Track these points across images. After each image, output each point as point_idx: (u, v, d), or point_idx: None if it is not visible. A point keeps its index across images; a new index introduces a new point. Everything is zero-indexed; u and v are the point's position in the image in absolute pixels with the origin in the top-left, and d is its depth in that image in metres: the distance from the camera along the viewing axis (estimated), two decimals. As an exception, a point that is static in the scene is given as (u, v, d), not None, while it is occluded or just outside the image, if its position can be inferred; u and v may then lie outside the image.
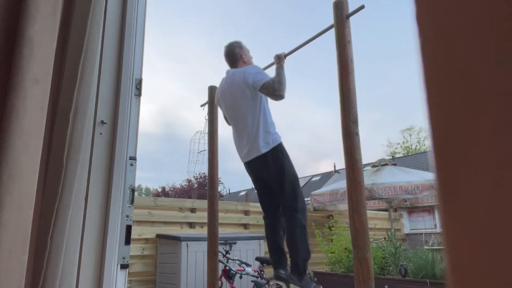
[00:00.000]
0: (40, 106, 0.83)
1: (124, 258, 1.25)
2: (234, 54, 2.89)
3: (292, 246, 2.56)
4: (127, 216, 1.28)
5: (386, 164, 6.84)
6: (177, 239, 4.41)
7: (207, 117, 3.34)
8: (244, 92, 2.68)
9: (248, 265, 4.39)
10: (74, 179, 0.97)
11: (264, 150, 2.61)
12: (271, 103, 2.78)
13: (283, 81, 2.65)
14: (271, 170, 2.63)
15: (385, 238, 5.64)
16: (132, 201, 1.31)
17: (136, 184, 1.37)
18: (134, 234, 4.25)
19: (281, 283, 4.28)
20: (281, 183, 2.61)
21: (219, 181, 6.50)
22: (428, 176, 5.96)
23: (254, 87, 2.64)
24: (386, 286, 4.08)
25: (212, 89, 3.35)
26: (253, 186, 2.94)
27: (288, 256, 2.65)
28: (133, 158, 1.33)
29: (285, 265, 2.69)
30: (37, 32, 0.83)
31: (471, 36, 0.21)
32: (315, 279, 5.00)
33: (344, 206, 6.56)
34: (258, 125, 2.64)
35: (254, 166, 2.72)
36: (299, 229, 2.54)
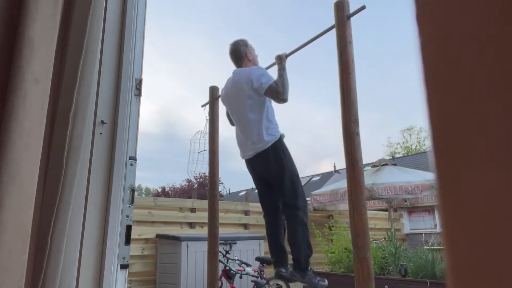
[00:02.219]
0: (40, 106, 0.83)
1: (124, 258, 1.25)
2: (239, 52, 2.90)
3: (294, 244, 2.56)
4: (127, 216, 1.28)
5: (386, 164, 6.84)
6: (177, 239, 4.41)
7: (207, 117, 3.34)
8: (248, 92, 2.70)
9: (248, 265, 4.39)
10: (74, 179, 0.97)
11: (264, 147, 2.63)
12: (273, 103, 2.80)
13: (286, 84, 2.67)
14: (272, 167, 2.64)
15: (385, 238, 5.64)
16: (132, 201, 1.31)
17: (136, 184, 1.37)
18: (134, 234, 4.25)
19: (281, 283, 4.28)
20: (282, 180, 2.61)
21: (219, 181, 6.50)
22: (428, 176, 5.96)
23: (258, 90, 2.66)
24: (386, 286, 4.08)
25: (213, 89, 3.35)
26: (253, 186, 2.95)
27: (289, 254, 2.66)
28: (133, 158, 1.33)
29: (286, 264, 2.69)
30: (37, 32, 0.83)
31: (471, 36, 0.21)
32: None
33: (344, 206, 6.56)
34: (261, 124, 2.66)
35: (255, 163, 2.73)
36: (301, 227, 2.55)
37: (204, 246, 3.69)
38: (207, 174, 3.28)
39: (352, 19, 2.21)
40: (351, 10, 2.22)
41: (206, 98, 3.41)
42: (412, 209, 9.42)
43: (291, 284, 3.80)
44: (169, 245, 4.55)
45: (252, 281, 4.39)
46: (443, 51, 0.22)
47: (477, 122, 0.20)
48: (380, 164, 6.86)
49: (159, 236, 4.78)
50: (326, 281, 2.65)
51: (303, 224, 2.56)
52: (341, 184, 6.62)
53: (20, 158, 0.77)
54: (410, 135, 29.06)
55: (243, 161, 2.90)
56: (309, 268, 2.61)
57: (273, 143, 2.64)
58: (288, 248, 2.68)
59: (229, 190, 24.98)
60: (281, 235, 2.73)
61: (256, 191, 2.94)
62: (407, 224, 9.19)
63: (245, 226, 5.87)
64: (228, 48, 2.97)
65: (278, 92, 2.61)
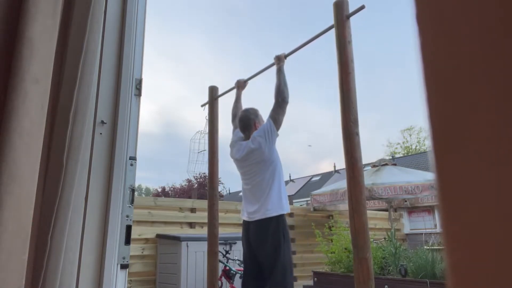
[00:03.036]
0: (40, 106, 0.83)
1: (124, 258, 1.25)
2: (249, 121, 2.84)
3: None
4: (127, 216, 1.28)
5: (386, 164, 6.84)
6: (177, 239, 4.41)
7: (207, 117, 3.34)
8: (262, 158, 2.64)
9: (248, 265, 4.39)
10: (74, 179, 0.97)
11: (270, 214, 2.53)
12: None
13: (283, 85, 2.67)
14: (268, 245, 2.51)
15: (385, 238, 5.64)
16: (132, 201, 1.31)
17: (136, 184, 1.37)
18: (134, 234, 4.25)
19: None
20: (273, 266, 2.47)
21: (219, 181, 6.50)
22: (428, 176, 5.96)
23: (272, 129, 2.63)
24: (386, 286, 4.08)
25: (212, 89, 3.35)
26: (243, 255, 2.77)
27: None
28: (133, 158, 1.33)
29: None
30: (37, 32, 0.83)
31: (471, 36, 0.21)
32: (315, 279, 5.00)
33: (344, 206, 6.56)
34: (271, 190, 2.59)
35: (254, 230, 2.61)
36: None
37: (204, 246, 3.69)
38: (207, 174, 3.28)
39: (352, 18, 2.21)
40: (351, 10, 2.22)
41: (206, 98, 3.42)
42: (412, 209, 9.43)
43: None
44: (169, 245, 4.55)
45: (252, 281, 4.38)
46: (443, 51, 0.22)
47: (477, 122, 0.20)
48: (380, 164, 6.86)
49: (159, 236, 4.78)
50: None
51: None
52: (341, 184, 6.62)
53: (20, 158, 0.77)
54: (410, 135, 29.08)
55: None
56: None
57: (279, 216, 2.54)
58: None
59: (229, 190, 24.99)
60: None
61: (243, 264, 2.79)
62: (407, 224, 9.20)
63: (245, 226, 5.86)
64: (239, 114, 2.94)
65: (277, 102, 2.63)
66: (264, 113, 2.84)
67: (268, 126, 2.66)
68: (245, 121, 2.84)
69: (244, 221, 2.73)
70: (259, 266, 2.59)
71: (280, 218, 2.53)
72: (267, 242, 2.51)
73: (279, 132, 2.71)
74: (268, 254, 2.50)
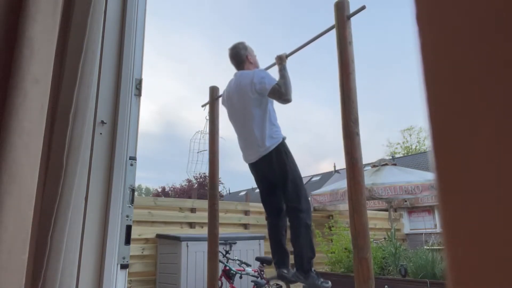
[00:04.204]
0: (40, 106, 0.83)
1: (124, 258, 1.25)
2: (240, 56, 2.91)
3: (297, 245, 2.57)
4: (127, 216, 1.28)
5: (386, 164, 6.84)
6: (177, 239, 4.41)
7: (207, 117, 3.34)
8: (250, 95, 2.71)
9: (248, 265, 4.39)
10: (74, 179, 0.97)
11: (268, 150, 2.65)
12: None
13: (289, 84, 2.68)
14: (275, 170, 2.66)
15: (385, 238, 5.64)
16: (132, 201, 1.31)
17: (136, 184, 1.37)
18: (134, 234, 4.25)
19: (281, 283, 4.28)
20: (285, 183, 2.63)
21: (219, 181, 6.51)
22: (428, 176, 5.96)
23: (261, 92, 2.67)
24: (386, 286, 4.08)
25: (213, 89, 3.35)
26: (254, 186, 2.96)
27: (291, 255, 2.66)
28: (133, 158, 1.33)
29: (287, 265, 2.70)
30: (37, 32, 0.83)
31: (471, 36, 0.21)
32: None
33: (344, 206, 6.56)
34: (264, 128, 2.68)
35: (259, 167, 2.76)
36: (304, 228, 2.56)
37: (204, 246, 3.69)
38: (207, 174, 3.28)
39: (352, 19, 2.21)
40: (351, 10, 2.22)
41: (206, 98, 3.42)
42: (412, 209, 9.43)
43: (291, 285, 3.79)
44: (169, 245, 4.55)
45: (252, 281, 4.39)
46: (443, 51, 0.22)
47: (477, 122, 0.20)
48: (380, 164, 6.86)
49: (159, 236, 4.78)
50: (330, 282, 2.65)
51: (307, 226, 2.58)
52: (341, 184, 6.62)
53: (20, 158, 0.77)
54: (410, 135, 29.08)
55: (243, 161, 2.91)
56: (312, 269, 2.61)
57: (276, 146, 2.66)
58: (290, 249, 2.69)
59: (229, 190, 24.98)
60: (284, 236, 2.75)
61: (257, 191, 2.95)
62: (407, 224, 9.19)
63: (245, 226, 5.86)
64: (228, 52, 2.97)
65: (281, 93, 2.62)
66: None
67: (264, 86, 2.65)
68: (237, 57, 2.92)
69: (248, 164, 2.85)
70: (272, 186, 2.77)
71: (278, 146, 2.67)
72: (273, 168, 2.67)
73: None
74: (277, 175, 2.67)
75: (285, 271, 2.65)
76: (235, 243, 4.68)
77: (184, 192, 20.18)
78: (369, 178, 6.06)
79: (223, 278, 4.26)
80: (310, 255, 2.58)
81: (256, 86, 2.68)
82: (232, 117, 2.93)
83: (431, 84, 0.23)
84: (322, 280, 2.61)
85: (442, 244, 0.22)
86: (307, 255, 2.56)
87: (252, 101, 2.71)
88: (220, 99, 3.13)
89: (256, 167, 2.78)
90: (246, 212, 5.94)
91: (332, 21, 2.28)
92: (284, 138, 2.74)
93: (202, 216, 4.95)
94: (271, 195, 2.80)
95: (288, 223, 2.74)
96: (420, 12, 0.24)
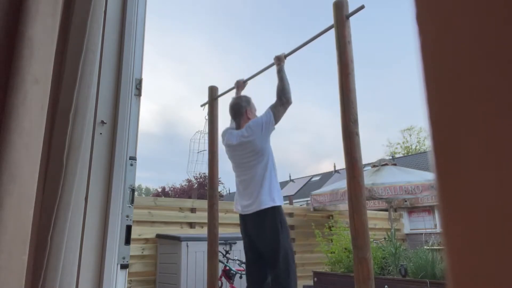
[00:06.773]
0: (40, 106, 0.83)
1: (124, 258, 1.25)
2: (240, 108, 2.83)
3: None
4: (127, 216, 1.28)
5: (386, 164, 6.84)
6: (177, 239, 4.41)
7: (207, 117, 3.34)
8: (254, 149, 2.63)
9: (248, 265, 4.39)
10: (74, 179, 0.97)
11: (265, 206, 2.53)
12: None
13: (287, 85, 2.67)
14: (266, 235, 2.52)
15: (385, 238, 5.64)
16: (132, 201, 1.30)
17: (136, 184, 1.37)
18: (134, 234, 4.25)
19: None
20: (275, 256, 2.48)
21: (219, 181, 6.50)
22: (428, 176, 5.96)
23: (269, 120, 2.61)
24: (386, 286, 4.08)
25: (212, 89, 3.35)
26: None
27: None
28: (133, 158, 1.33)
29: None
30: (37, 32, 0.83)
31: (471, 36, 0.21)
32: (315, 279, 5.00)
33: (344, 206, 6.56)
34: (264, 182, 2.58)
35: (250, 223, 2.63)
36: None
37: (204, 246, 3.69)
38: (207, 174, 3.28)
39: (351, 18, 2.21)
40: (350, 10, 2.22)
41: (206, 98, 3.42)
42: (412, 209, 9.43)
43: None
44: (169, 245, 4.55)
45: (252, 281, 4.38)
46: (443, 51, 0.22)
47: (477, 122, 0.20)
48: (380, 164, 6.86)
49: (159, 236, 4.78)
50: None
51: None
52: (341, 184, 6.61)
53: (20, 158, 0.77)
54: (410, 135, 29.10)
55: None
56: None
57: (273, 208, 2.54)
58: None
59: (229, 190, 24.97)
60: None
61: (245, 255, 2.78)
62: (407, 224, 9.20)
63: (245, 226, 5.86)
64: (230, 101, 2.91)
65: (281, 100, 2.61)
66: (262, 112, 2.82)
67: (268, 118, 2.64)
68: (237, 109, 2.85)
69: (240, 214, 2.74)
70: (260, 256, 2.61)
71: (275, 208, 2.55)
72: (265, 233, 2.53)
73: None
74: (268, 243, 2.52)
75: None
76: (235, 243, 4.68)
77: (184, 192, 20.18)
78: (369, 178, 6.06)
79: (223, 278, 4.26)
80: None
81: (259, 124, 2.61)
82: (233, 163, 2.85)
83: (431, 84, 0.23)
84: None
85: (442, 244, 0.22)
86: None
87: (256, 157, 2.62)
88: (222, 141, 3.01)
89: (247, 222, 2.64)
90: (246, 212, 5.93)
91: (331, 20, 2.29)
92: (281, 206, 2.61)
93: (202, 216, 4.95)
94: (257, 263, 2.64)
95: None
96: (420, 11, 0.24)
